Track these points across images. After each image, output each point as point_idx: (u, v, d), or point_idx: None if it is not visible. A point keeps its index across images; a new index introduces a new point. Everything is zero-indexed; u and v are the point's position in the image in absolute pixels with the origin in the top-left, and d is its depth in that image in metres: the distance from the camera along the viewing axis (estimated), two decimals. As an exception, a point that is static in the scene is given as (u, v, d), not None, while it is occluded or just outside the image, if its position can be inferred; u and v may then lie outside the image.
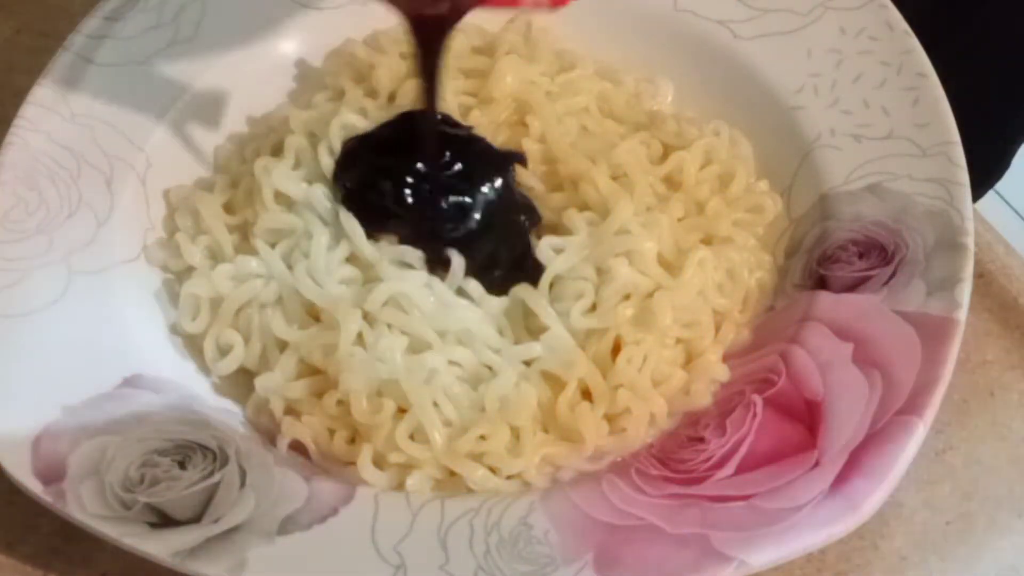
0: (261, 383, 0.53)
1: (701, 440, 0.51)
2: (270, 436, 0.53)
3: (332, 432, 0.53)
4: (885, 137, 0.57)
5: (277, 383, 0.53)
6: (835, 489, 0.48)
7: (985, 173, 0.93)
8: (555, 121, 0.59)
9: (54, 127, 0.59)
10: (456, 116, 0.59)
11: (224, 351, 0.55)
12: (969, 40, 0.83)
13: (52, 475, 0.49)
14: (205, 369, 0.56)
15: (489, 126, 0.59)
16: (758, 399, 0.51)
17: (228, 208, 0.59)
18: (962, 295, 0.51)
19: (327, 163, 0.57)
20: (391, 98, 0.61)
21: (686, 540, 0.47)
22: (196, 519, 0.48)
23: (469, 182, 0.56)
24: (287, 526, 0.48)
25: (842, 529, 0.47)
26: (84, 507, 0.48)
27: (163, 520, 0.48)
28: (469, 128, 0.58)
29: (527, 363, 0.53)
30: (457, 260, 0.54)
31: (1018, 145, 0.93)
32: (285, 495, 0.49)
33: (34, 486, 0.49)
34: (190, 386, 0.54)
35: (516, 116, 0.60)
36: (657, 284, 0.54)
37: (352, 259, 0.55)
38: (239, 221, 0.58)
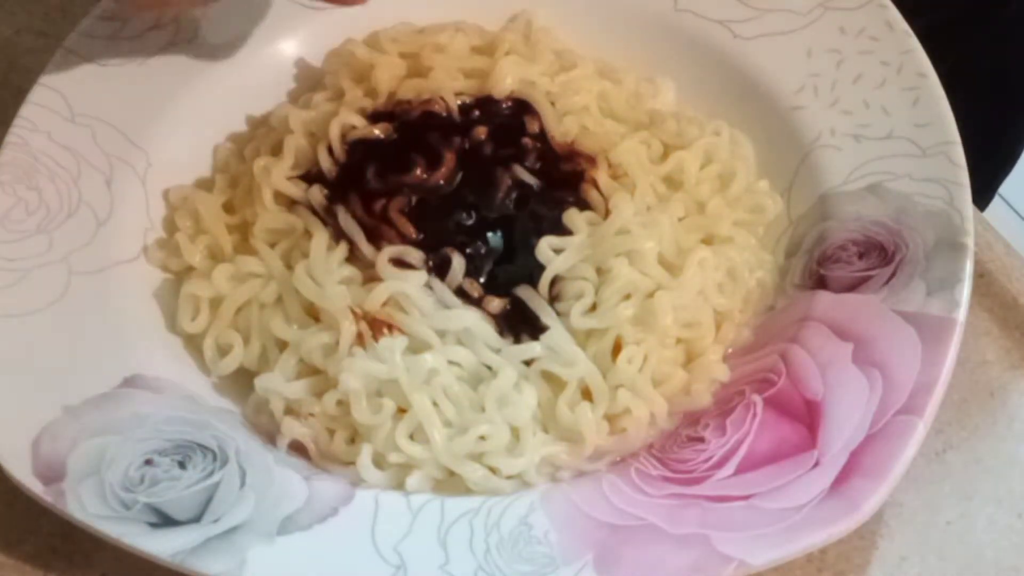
0: (261, 383, 0.53)
1: (701, 440, 0.51)
2: (270, 436, 0.53)
3: (332, 432, 0.53)
4: (885, 137, 0.57)
5: (277, 383, 0.53)
6: (835, 489, 0.48)
7: (992, 176, 0.94)
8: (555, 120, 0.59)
9: (54, 127, 0.59)
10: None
11: (224, 351, 0.55)
12: (981, 50, 0.84)
13: (52, 475, 0.49)
14: (205, 369, 0.56)
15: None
16: (758, 399, 0.51)
17: (228, 208, 0.59)
18: (962, 295, 0.51)
19: (327, 163, 0.57)
20: (391, 98, 0.61)
21: (686, 540, 0.47)
22: (196, 519, 0.48)
23: (471, 183, 0.56)
24: (287, 526, 0.48)
25: (842, 529, 0.47)
26: (84, 507, 0.48)
27: (163, 520, 0.48)
28: (472, 124, 0.58)
29: (527, 363, 0.53)
30: (457, 260, 0.54)
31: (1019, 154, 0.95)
32: (285, 495, 0.49)
33: (34, 486, 0.49)
34: (190, 386, 0.54)
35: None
36: (657, 284, 0.54)
37: (352, 259, 0.55)
38: (239, 221, 0.58)
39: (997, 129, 0.90)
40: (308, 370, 0.54)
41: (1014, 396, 0.56)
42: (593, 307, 0.54)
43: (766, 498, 0.48)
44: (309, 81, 0.63)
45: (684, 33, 0.63)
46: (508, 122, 0.59)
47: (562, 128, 0.59)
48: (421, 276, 0.54)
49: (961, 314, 0.51)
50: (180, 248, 0.57)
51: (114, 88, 0.60)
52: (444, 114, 0.58)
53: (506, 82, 0.59)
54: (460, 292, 0.54)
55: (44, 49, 0.62)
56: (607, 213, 0.56)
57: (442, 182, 0.56)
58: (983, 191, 0.94)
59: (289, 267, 0.56)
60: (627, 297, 0.54)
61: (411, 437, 0.52)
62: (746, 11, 0.62)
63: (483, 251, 0.55)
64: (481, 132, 0.58)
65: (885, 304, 0.52)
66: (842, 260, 0.55)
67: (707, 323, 0.55)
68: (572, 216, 0.56)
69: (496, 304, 0.54)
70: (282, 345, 0.55)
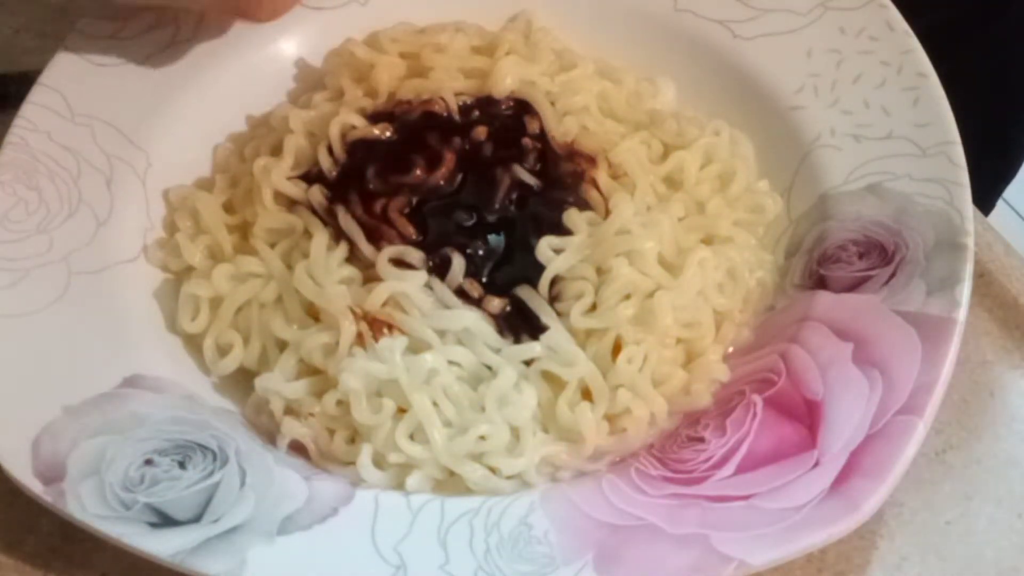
0: (261, 383, 0.53)
1: (701, 440, 0.51)
2: (270, 436, 0.53)
3: (332, 432, 0.53)
4: (885, 137, 0.57)
5: (277, 383, 0.53)
6: (835, 489, 0.48)
7: (993, 179, 0.95)
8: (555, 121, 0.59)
9: (54, 127, 0.59)
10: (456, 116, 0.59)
11: (224, 351, 0.55)
12: (982, 50, 0.84)
13: (52, 475, 0.49)
14: (205, 369, 0.56)
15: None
16: (758, 399, 0.51)
17: (228, 208, 0.59)
18: (962, 295, 0.51)
19: (327, 163, 0.57)
20: (391, 98, 0.61)
21: (686, 540, 0.47)
22: (196, 519, 0.48)
23: (472, 184, 0.56)
24: (287, 526, 0.48)
25: (842, 529, 0.47)
26: (84, 507, 0.48)
27: (163, 520, 0.48)
28: (472, 124, 0.58)
29: (527, 363, 0.53)
30: (457, 260, 0.54)
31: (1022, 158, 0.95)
32: (285, 495, 0.49)
33: (34, 486, 0.49)
34: (190, 386, 0.54)
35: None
36: (657, 284, 0.54)
37: (352, 259, 0.55)
38: (238, 221, 0.58)
39: (997, 129, 0.90)
40: (308, 370, 0.54)
41: (1014, 396, 0.56)
42: (593, 307, 0.54)
43: (766, 498, 0.48)
44: (309, 81, 0.63)
45: (684, 33, 0.63)
46: (508, 122, 0.59)
47: (562, 128, 0.59)
48: (421, 276, 0.54)
49: (961, 314, 0.51)
50: (180, 248, 0.57)
51: (114, 88, 0.60)
52: (444, 114, 0.58)
53: (506, 82, 0.59)
54: (460, 292, 0.54)
55: (44, 49, 0.62)
56: (607, 213, 0.56)
57: (442, 182, 0.56)
58: (985, 198, 0.94)
59: (289, 267, 0.56)
60: (627, 297, 0.54)
61: (411, 437, 0.52)
62: (746, 11, 0.62)
63: (483, 251, 0.55)
64: (481, 132, 0.58)
65: (885, 304, 0.52)
66: (842, 260, 0.55)
67: (707, 323, 0.55)
68: (572, 216, 0.56)
69: (496, 304, 0.54)
70: (282, 345, 0.55)
